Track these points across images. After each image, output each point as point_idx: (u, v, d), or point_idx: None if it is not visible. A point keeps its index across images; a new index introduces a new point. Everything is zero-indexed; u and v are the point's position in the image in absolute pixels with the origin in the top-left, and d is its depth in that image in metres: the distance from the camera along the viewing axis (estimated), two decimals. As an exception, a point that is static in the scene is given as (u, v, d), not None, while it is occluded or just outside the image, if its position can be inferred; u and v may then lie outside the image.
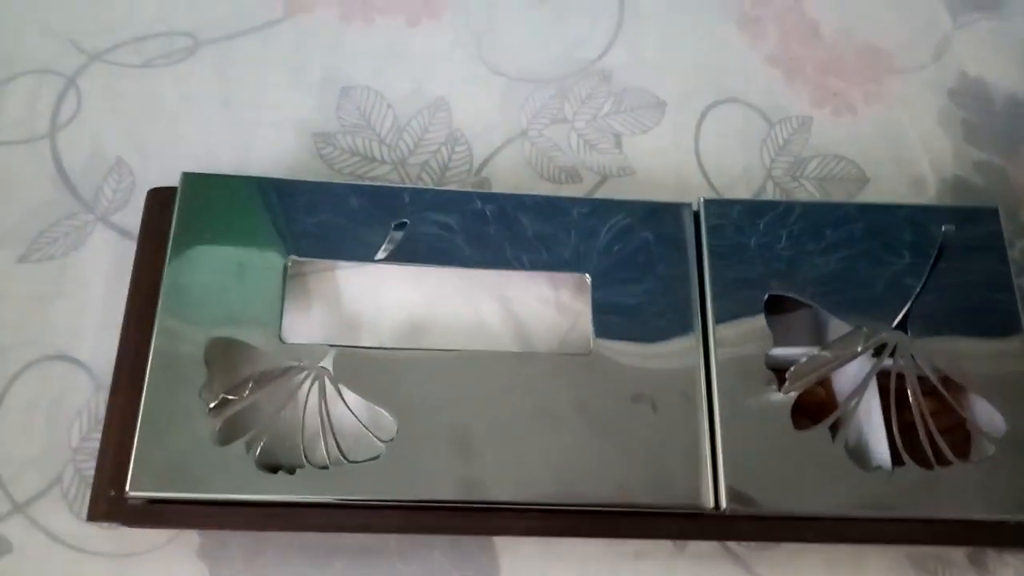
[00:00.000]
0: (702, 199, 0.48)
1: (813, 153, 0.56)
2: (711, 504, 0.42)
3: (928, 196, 0.55)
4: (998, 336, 0.45)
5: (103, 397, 0.45)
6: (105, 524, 0.42)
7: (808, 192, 0.55)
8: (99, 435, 0.43)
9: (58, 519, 0.44)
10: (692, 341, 0.45)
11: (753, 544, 0.45)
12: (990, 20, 0.60)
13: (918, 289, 0.45)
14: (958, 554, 0.46)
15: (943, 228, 0.47)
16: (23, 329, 0.47)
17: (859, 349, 0.44)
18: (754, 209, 0.48)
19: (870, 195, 0.55)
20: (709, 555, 0.45)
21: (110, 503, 0.41)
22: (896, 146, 0.56)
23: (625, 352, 0.44)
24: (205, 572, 0.43)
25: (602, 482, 0.42)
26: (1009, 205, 0.55)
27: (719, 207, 0.48)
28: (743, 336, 0.44)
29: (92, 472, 0.42)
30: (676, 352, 0.44)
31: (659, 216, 0.48)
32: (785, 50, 0.59)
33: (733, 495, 0.41)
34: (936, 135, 0.57)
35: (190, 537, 0.44)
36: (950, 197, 0.55)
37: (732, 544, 0.45)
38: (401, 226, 0.46)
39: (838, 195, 0.55)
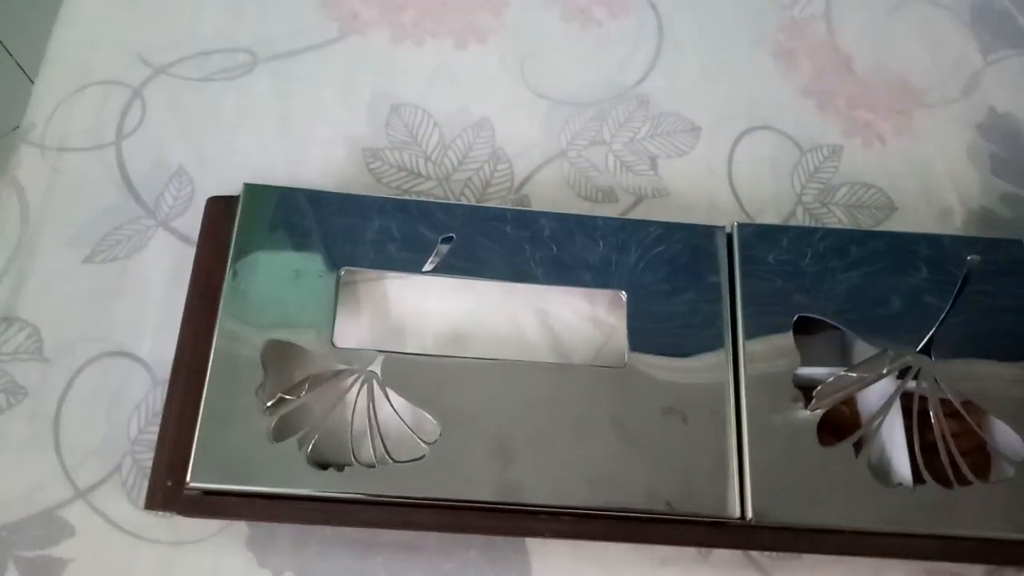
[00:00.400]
0: (736, 222, 0.50)
1: (843, 181, 0.58)
2: (737, 514, 0.44)
3: (954, 226, 0.57)
4: (1020, 362, 0.47)
5: (160, 393, 0.48)
6: (161, 513, 0.44)
7: (837, 218, 0.57)
8: (156, 428, 0.45)
9: (117, 506, 0.46)
10: (722, 357, 0.47)
11: (775, 554, 0.47)
12: (1021, 57, 0.62)
13: (943, 315, 0.47)
14: (975, 572, 0.48)
15: (968, 257, 0.49)
16: (87, 326, 0.50)
17: (884, 371, 0.46)
18: (785, 233, 0.50)
19: (897, 223, 0.57)
20: (732, 563, 0.47)
21: (166, 493, 0.44)
22: (924, 177, 0.58)
23: (658, 366, 0.46)
24: (253, 561, 0.46)
25: (632, 490, 0.44)
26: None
27: (752, 230, 0.50)
28: (771, 353, 0.46)
29: (149, 463, 0.45)
30: (707, 367, 0.46)
31: (693, 237, 0.50)
32: (818, 82, 0.61)
33: (758, 505, 0.43)
34: (964, 167, 0.59)
35: (239, 528, 0.46)
36: (976, 228, 0.57)
37: (755, 554, 0.47)
38: (448, 240, 0.48)
39: (866, 222, 0.57)
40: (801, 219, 0.57)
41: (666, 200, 0.57)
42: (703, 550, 0.47)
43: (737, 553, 0.47)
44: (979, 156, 0.59)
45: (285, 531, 0.46)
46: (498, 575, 0.46)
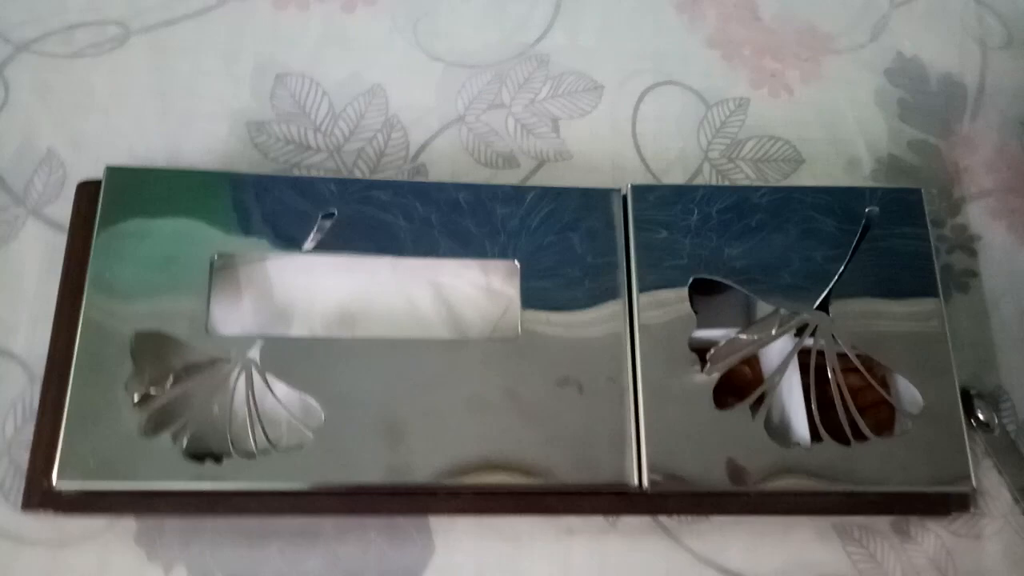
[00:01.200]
0: (629, 184, 0.48)
1: (749, 135, 0.56)
2: (635, 482, 0.42)
3: (863, 176, 0.55)
4: (917, 316, 0.46)
5: (37, 389, 0.45)
6: (40, 513, 0.43)
7: (744, 174, 0.55)
8: (33, 427, 0.43)
9: (-3, 509, 0.44)
10: (618, 322, 0.45)
11: (683, 518, 0.46)
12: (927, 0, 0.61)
13: (841, 270, 0.46)
14: (882, 522, 0.47)
15: (867, 209, 0.47)
16: (-44, 323, 0.47)
17: (777, 330, 0.44)
18: (681, 193, 0.48)
19: (805, 176, 0.55)
20: (640, 529, 0.46)
21: (44, 493, 0.42)
22: (832, 126, 0.57)
23: (551, 324, 0.45)
24: (143, 557, 0.44)
25: (530, 463, 0.43)
26: (942, 183, 0.55)
27: (647, 192, 0.48)
28: (667, 316, 0.45)
29: (26, 463, 0.43)
30: (601, 332, 0.45)
31: (588, 202, 0.48)
32: (724, 32, 0.59)
33: (655, 473, 0.42)
34: (872, 115, 0.57)
35: (127, 524, 0.44)
36: (884, 176, 0.55)
37: (663, 518, 0.46)
38: (328, 216, 0.46)
39: (774, 177, 0.55)
40: (708, 176, 0.55)
41: (569, 163, 0.55)
42: (610, 518, 0.46)
43: (645, 519, 0.46)
44: (887, 102, 0.58)
45: (175, 524, 0.45)
46: (400, 555, 0.45)
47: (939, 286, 0.47)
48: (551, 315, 0.45)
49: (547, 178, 0.54)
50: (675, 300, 0.45)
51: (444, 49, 0.57)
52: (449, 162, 0.54)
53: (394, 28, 0.57)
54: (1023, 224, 0.54)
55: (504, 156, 0.55)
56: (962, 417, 0.45)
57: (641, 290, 0.45)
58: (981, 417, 0.49)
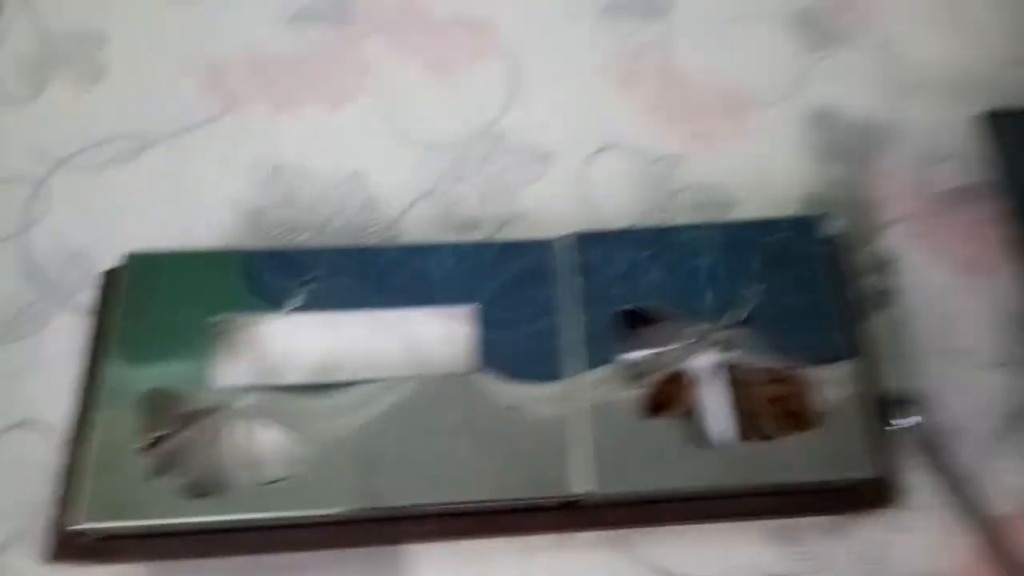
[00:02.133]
0: (570, 234, 0.56)
1: (686, 186, 0.63)
2: (573, 495, 0.48)
3: (787, 212, 0.61)
4: (832, 329, 0.52)
5: (60, 451, 0.52)
6: (58, 564, 0.49)
7: (683, 220, 0.62)
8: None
9: (23, 564, 0.51)
10: (559, 387, 0.52)
11: (631, 529, 0.52)
12: (842, 52, 0.68)
13: (758, 290, 0.53)
14: (820, 522, 0.52)
15: (777, 236, 0.54)
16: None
17: (701, 347, 0.51)
18: (618, 239, 0.56)
19: (734, 218, 0.62)
20: (594, 543, 0.52)
21: (60, 544, 0.49)
22: (759, 172, 0.63)
23: (500, 381, 0.52)
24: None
25: (484, 485, 0.49)
26: (862, 214, 0.61)
27: (585, 238, 0.55)
28: (604, 349, 0.52)
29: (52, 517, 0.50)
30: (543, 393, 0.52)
31: (528, 253, 0.55)
32: (660, 98, 0.67)
33: (590, 487, 0.48)
34: (795, 159, 0.64)
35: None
36: (807, 211, 0.61)
37: (612, 531, 0.52)
38: (309, 281, 0.54)
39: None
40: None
41: (526, 222, 0.62)
42: (563, 535, 0.52)
43: (595, 533, 0.52)
44: (807, 147, 0.64)
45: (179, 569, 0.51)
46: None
47: (851, 303, 0.53)
48: (499, 374, 0.52)
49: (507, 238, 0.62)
50: (610, 332, 0.52)
51: (416, 135, 0.66)
52: (420, 232, 0.62)
53: (373, 120, 0.67)
54: (933, 245, 0.60)
55: (468, 223, 0.63)
56: (873, 417, 0.50)
57: (586, 329, 0.53)
58: (902, 419, 0.54)
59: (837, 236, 0.56)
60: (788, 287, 0.53)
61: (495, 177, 0.64)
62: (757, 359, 0.51)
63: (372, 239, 0.62)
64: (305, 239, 0.62)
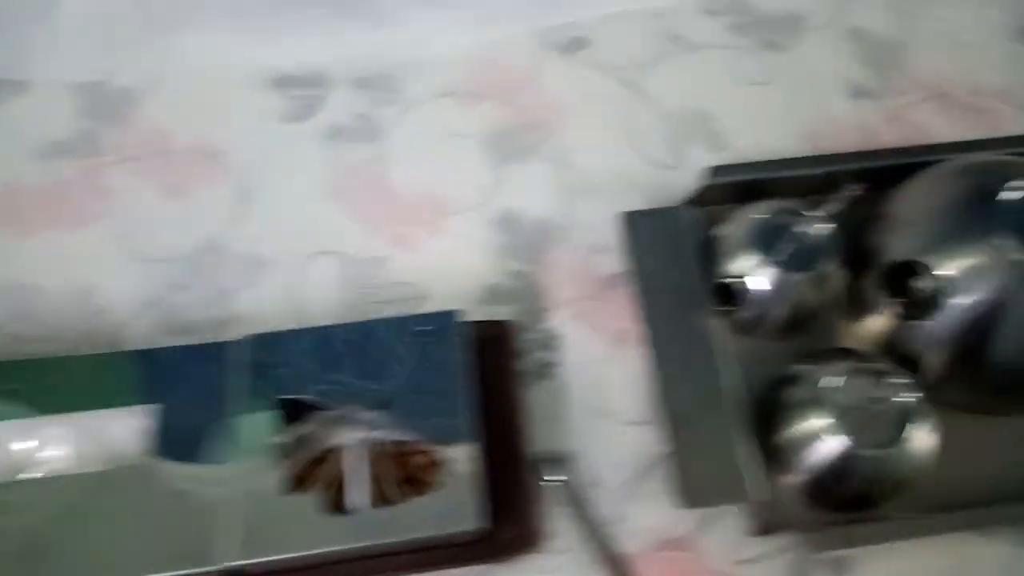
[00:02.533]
0: (248, 335, 0.63)
1: (388, 283, 0.72)
2: (221, 566, 0.55)
3: (472, 302, 0.70)
4: (449, 413, 0.60)
5: None
6: None
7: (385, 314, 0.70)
8: None
9: None
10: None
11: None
12: (523, 166, 0.79)
13: (401, 377, 0.61)
14: (472, 571, 0.59)
15: (422, 329, 0.63)
16: None
17: (346, 427, 0.58)
18: (289, 337, 0.64)
19: (427, 309, 0.70)
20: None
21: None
22: (450, 267, 0.73)
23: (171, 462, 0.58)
24: None
25: (137, 564, 0.55)
26: (534, 298, 0.71)
27: (259, 340, 0.63)
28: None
29: None
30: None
31: (208, 353, 0.63)
32: (368, 208, 0.76)
33: (238, 558, 0.55)
34: (481, 256, 0.73)
35: None
36: (489, 301, 0.71)
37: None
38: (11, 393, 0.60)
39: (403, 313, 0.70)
40: (356, 320, 0.70)
41: (241, 324, 0.70)
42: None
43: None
44: (493, 245, 0.74)
45: None
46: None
47: (475, 388, 0.61)
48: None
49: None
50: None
51: (146, 251, 0.73)
52: (145, 338, 0.69)
53: (108, 241, 0.74)
54: (591, 323, 0.70)
55: (187, 326, 0.70)
56: (529, 474, 0.59)
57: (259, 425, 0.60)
58: (551, 476, 0.62)
59: (468, 329, 0.65)
60: (428, 374, 0.62)
61: (215, 284, 0.72)
62: (394, 436, 0.58)
63: (99, 348, 0.68)
64: (33, 350, 0.68)
